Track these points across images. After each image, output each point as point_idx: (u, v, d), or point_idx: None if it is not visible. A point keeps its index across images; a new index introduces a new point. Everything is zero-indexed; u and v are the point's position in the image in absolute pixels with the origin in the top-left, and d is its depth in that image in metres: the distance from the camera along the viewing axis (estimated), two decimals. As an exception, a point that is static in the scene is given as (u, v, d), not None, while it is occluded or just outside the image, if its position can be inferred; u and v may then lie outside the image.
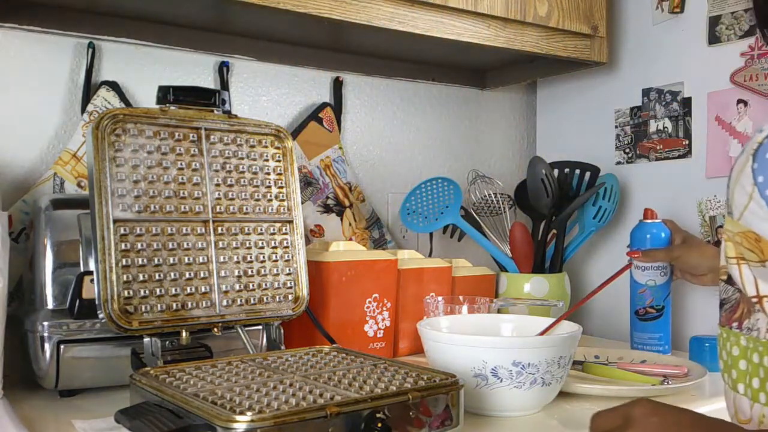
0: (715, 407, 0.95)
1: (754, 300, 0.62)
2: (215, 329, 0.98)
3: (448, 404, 0.79)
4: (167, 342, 0.94)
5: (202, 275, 0.98)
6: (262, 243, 1.05)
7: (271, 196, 1.07)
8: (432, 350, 0.96)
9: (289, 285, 1.06)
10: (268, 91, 1.46)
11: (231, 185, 1.03)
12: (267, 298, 1.04)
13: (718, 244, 1.31)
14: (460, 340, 0.93)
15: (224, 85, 1.38)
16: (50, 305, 0.99)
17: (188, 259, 0.97)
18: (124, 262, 0.91)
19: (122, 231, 0.92)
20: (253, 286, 1.03)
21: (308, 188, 1.45)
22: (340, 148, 1.51)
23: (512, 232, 1.44)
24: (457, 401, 0.80)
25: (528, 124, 1.86)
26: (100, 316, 0.89)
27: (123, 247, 0.92)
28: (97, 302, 0.89)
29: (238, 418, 0.66)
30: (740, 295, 0.66)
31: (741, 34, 1.32)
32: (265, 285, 1.04)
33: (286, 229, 1.08)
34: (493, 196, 1.57)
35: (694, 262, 1.21)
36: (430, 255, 1.55)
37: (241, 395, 0.74)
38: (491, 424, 0.90)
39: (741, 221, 0.61)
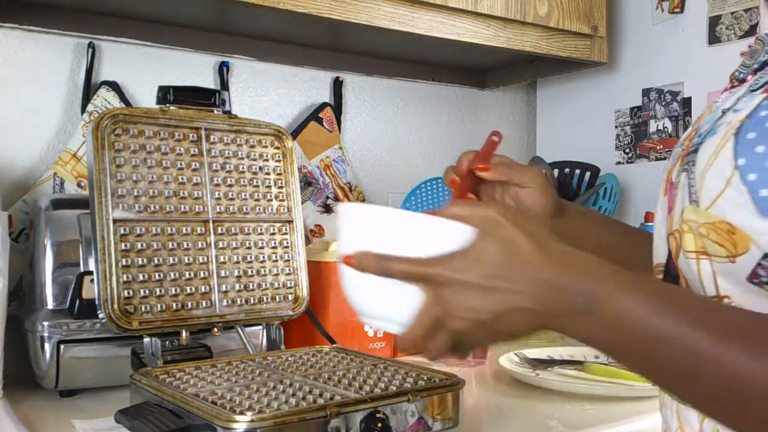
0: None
1: (714, 299, 0.55)
2: (215, 329, 0.98)
3: (448, 404, 0.79)
4: (167, 342, 0.94)
5: (202, 275, 0.98)
6: (262, 243, 1.05)
7: (271, 196, 1.07)
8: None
9: (289, 285, 1.06)
10: (268, 91, 1.46)
11: (231, 185, 1.03)
12: (267, 298, 1.04)
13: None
14: None
15: (224, 85, 1.38)
16: (50, 305, 0.99)
17: (188, 259, 0.97)
18: (124, 262, 0.91)
19: (122, 231, 0.92)
20: (253, 286, 1.02)
21: (308, 188, 1.45)
22: (340, 148, 1.51)
23: (512, 232, 1.44)
24: (457, 401, 0.80)
25: (528, 124, 1.86)
26: (100, 316, 0.89)
27: (123, 247, 0.92)
28: (97, 302, 0.89)
29: (238, 418, 0.66)
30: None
31: (741, 34, 1.32)
32: (265, 285, 1.04)
33: (286, 229, 1.08)
34: (493, 196, 1.57)
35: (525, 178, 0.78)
36: (430, 255, 1.54)
37: (241, 395, 0.74)
38: (491, 425, 0.90)
39: (712, 210, 0.52)
